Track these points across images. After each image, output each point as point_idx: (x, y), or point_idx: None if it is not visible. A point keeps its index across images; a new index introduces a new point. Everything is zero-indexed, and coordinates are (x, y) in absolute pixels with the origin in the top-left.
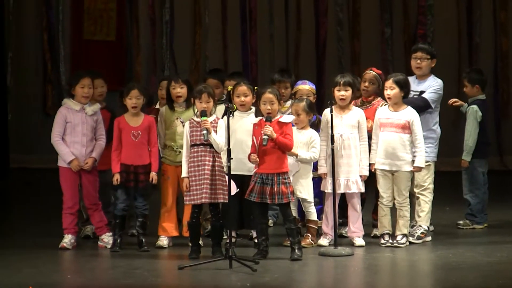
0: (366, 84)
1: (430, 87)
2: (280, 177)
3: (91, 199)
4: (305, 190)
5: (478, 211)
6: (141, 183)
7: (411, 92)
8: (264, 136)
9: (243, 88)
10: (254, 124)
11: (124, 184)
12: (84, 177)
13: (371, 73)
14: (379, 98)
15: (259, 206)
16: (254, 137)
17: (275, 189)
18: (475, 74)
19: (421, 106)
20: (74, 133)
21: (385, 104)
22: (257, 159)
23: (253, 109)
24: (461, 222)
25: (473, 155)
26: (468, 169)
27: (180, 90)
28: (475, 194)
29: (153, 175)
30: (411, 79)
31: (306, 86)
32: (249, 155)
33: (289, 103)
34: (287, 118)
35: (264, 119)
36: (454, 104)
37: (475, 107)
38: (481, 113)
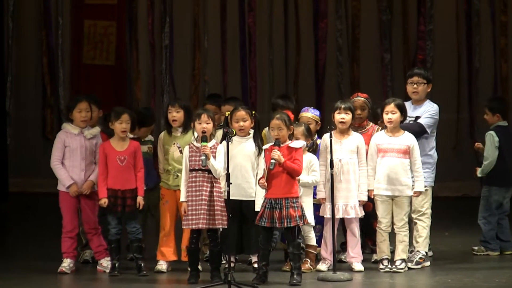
0: (358, 111)
1: (426, 112)
2: (289, 201)
3: (91, 223)
4: (306, 213)
5: (491, 238)
6: (128, 208)
7: (407, 117)
8: (272, 160)
9: (241, 113)
10: (265, 150)
11: (111, 209)
12: (83, 202)
13: (360, 99)
14: (371, 124)
15: (265, 231)
16: (265, 162)
17: (284, 213)
18: (496, 103)
19: (417, 132)
20: (73, 157)
21: (381, 129)
22: (265, 183)
23: (252, 133)
24: (475, 248)
25: (490, 182)
26: (483, 195)
27: (175, 114)
28: (488, 221)
29: (139, 199)
30: (407, 104)
31: (307, 114)
32: (259, 180)
33: None
34: (297, 143)
35: (273, 144)
36: (477, 146)
37: (492, 132)
38: (498, 139)
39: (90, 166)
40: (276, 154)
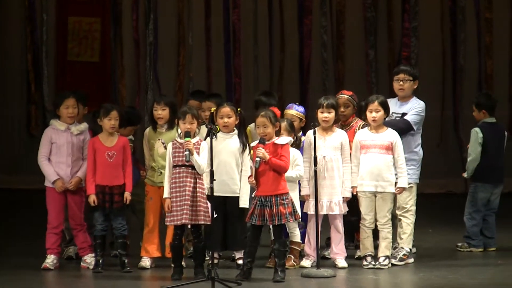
0: (342, 109)
1: (412, 109)
2: (279, 198)
3: (77, 219)
4: None
5: (474, 234)
6: (116, 204)
7: (393, 114)
8: (257, 158)
9: (226, 109)
10: (253, 147)
11: (100, 205)
12: (70, 198)
13: (343, 97)
14: (357, 119)
15: (254, 228)
16: (252, 160)
17: (274, 210)
18: (483, 99)
19: (403, 128)
20: (60, 153)
21: (363, 126)
22: (254, 181)
23: (236, 130)
24: (459, 244)
25: (476, 179)
26: (470, 191)
27: (161, 112)
28: (472, 217)
29: (127, 195)
30: (393, 101)
31: (291, 111)
32: (248, 177)
33: None
34: (283, 139)
35: (258, 142)
36: None
37: (476, 129)
38: (482, 135)
39: (77, 162)
40: (261, 152)
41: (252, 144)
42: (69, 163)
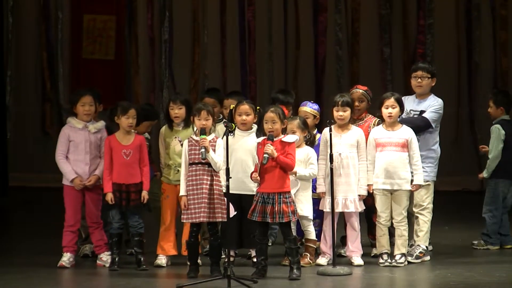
0: (356, 103)
1: (430, 106)
2: (281, 196)
3: (93, 217)
4: (305, 207)
5: (493, 232)
6: (132, 202)
7: (411, 111)
8: (265, 155)
9: (245, 107)
10: (258, 144)
11: (117, 203)
12: (87, 195)
13: (358, 91)
14: (370, 115)
15: (260, 225)
16: (257, 156)
17: (276, 208)
18: (502, 96)
19: (422, 126)
20: (77, 152)
21: (378, 123)
22: (258, 177)
23: (254, 128)
24: (475, 242)
25: (496, 174)
26: (490, 188)
27: (178, 111)
28: (493, 215)
29: (144, 194)
30: (411, 98)
31: (305, 108)
32: (251, 173)
33: None
34: (290, 137)
35: (266, 138)
36: (483, 150)
37: (498, 125)
38: (504, 132)
39: (95, 160)
40: (270, 148)
41: (258, 140)
42: (87, 161)
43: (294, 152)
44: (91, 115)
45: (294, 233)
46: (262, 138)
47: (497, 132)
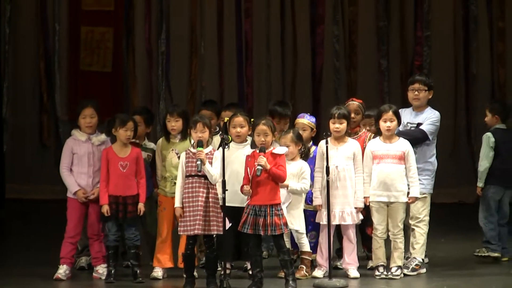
0: (352, 115)
1: (428, 119)
2: (273, 209)
3: (95, 229)
4: (296, 221)
5: (492, 238)
6: (129, 214)
7: (408, 124)
8: (258, 167)
9: (239, 119)
10: (247, 156)
11: (114, 215)
12: (91, 207)
13: (354, 103)
14: (364, 130)
15: (253, 237)
16: (248, 168)
17: (268, 221)
18: (498, 105)
19: (419, 138)
20: (81, 164)
21: (374, 137)
22: (250, 190)
23: (249, 140)
24: (477, 250)
25: (488, 181)
26: (483, 195)
27: (175, 123)
28: (488, 221)
29: (140, 206)
30: (408, 110)
31: (303, 120)
32: (242, 186)
33: None
34: (280, 149)
35: (258, 150)
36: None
37: (488, 134)
38: (495, 139)
39: (98, 172)
40: (263, 160)
41: (247, 153)
42: (90, 173)
43: (284, 163)
44: (93, 127)
45: (288, 245)
46: (251, 150)
47: (486, 140)
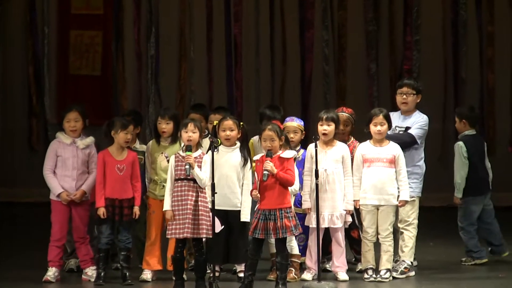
0: (341, 127)
1: (416, 123)
2: (283, 211)
3: (80, 232)
4: None
5: (473, 246)
6: (125, 217)
7: (397, 128)
8: (265, 172)
9: (229, 122)
10: (256, 161)
11: (110, 218)
12: (74, 211)
13: (343, 115)
14: (352, 139)
15: (256, 241)
16: (256, 173)
17: (278, 224)
18: (465, 109)
19: (408, 142)
20: (65, 167)
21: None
22: (258, 195)
23: (238, 144)
24: (463, 259)
25: (466, 192)
26: (462, 206)
27: (165, 126)
28: (466, 231)
29: (136, 209)
30: (396, 114)
31: (293, 123)
32: (251, 191)
33: None
34: (288, 153)
35: (265, 155)
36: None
37: (460, 143)
38: (467, 148)
39: (83, 176)
40: (269, 165)
41: (256, 157)
42: (74, 176)
43: (293, 167)
44: (78, 131)
45: (296, 251)
46: (260, 155)
47: (459, 150)
